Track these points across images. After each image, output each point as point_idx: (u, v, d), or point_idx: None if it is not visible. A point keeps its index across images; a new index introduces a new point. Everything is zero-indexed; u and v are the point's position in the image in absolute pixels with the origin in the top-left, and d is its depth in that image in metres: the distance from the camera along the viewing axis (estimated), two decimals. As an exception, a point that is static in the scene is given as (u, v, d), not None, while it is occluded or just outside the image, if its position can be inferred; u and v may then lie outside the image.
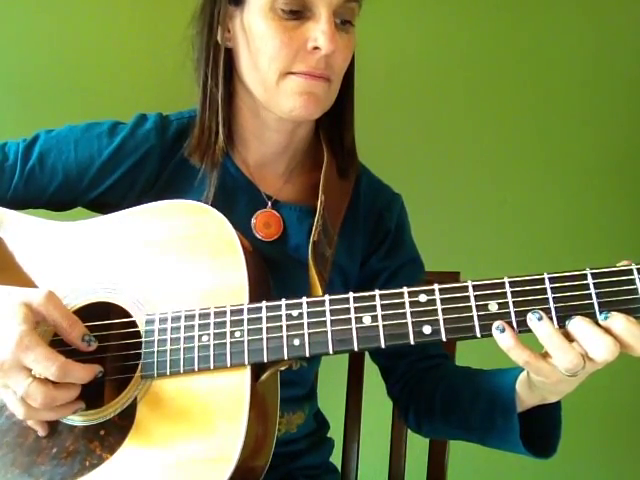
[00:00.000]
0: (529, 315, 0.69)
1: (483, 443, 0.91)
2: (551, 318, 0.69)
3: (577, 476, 1.78)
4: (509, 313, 0.70)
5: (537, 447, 0.83)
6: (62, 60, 1.62)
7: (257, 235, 0.97)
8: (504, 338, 0.70)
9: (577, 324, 0.68)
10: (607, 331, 0.67)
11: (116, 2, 1.66)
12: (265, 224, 0.98)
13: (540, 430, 0.84)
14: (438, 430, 1.01)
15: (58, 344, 0.78)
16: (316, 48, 0.86)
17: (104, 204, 0.97)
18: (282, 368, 0.78)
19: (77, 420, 0.80)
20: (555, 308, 0.69)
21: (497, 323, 0.70)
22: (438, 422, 0.97)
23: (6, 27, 1.60)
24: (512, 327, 0.70)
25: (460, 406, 0.92)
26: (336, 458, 1.15)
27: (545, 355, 0.71)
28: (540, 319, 0.69)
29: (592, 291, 0.69)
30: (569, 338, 0.69)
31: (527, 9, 1.82)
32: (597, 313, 0.68)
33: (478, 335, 0.71)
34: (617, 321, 0.67)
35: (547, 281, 0.70)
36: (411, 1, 1.80)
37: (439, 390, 0.96)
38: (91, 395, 0.79)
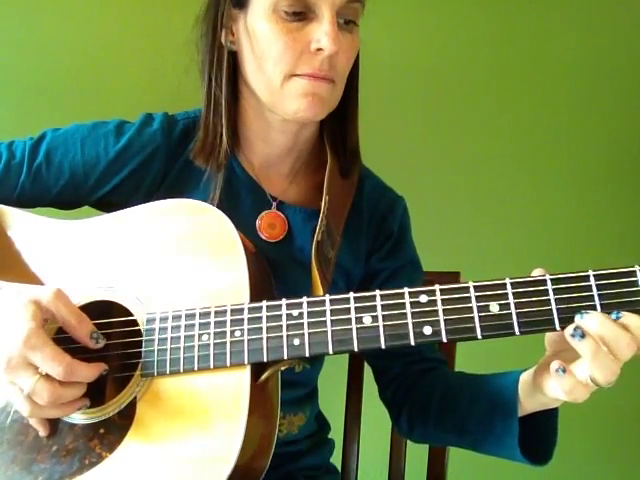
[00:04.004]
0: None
1: (475, 448, 0.90)
2: (552, 319, 0.68)
3: (578, 476, 1.76)
4: (510, 314, 0.69)
5: (532, 453, 0.82)
6: (66, 61, 1.62)
7: (262, 236, 0.97)
8: (566, 381, 0.69)
9: (601, 324, 0.66)
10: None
11: (119, 2, 1.66)
12: (270, 225, 0.98)
13: (537, 436, 0.82)
14: (430, 434, 0.99)
15: (61, 341, 0.78)
16: (319, 49, 0.85)
17: (110, 203, 0.97)
18: (283, 368, 0.77)
19: (77, 418, 0.80)
20: (557, 309, 0.68)
21: (556, 365, 0.69)
22: (432, 425, 0.95)
23: (7, 27, 1.60)
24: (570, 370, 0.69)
25: (457, 409, 0.91)
26: (336, 458, 1.14)
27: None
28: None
29: (595, 292, 0.67)
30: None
31: (530, 9, 1.81)
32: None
33: (479, 336, 0.70)
34: (633, 319, 0.66)
35: (549, 282, 0.69)
36: (416, 1, 1.79)
37: (436, 392, 0.95)
38: (93, 393, 0.79)
